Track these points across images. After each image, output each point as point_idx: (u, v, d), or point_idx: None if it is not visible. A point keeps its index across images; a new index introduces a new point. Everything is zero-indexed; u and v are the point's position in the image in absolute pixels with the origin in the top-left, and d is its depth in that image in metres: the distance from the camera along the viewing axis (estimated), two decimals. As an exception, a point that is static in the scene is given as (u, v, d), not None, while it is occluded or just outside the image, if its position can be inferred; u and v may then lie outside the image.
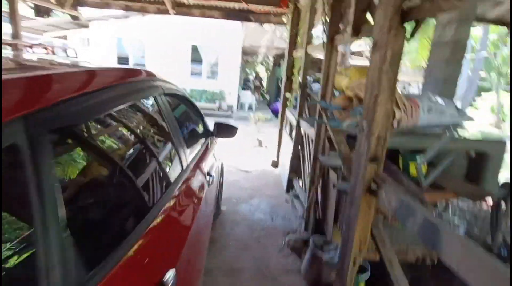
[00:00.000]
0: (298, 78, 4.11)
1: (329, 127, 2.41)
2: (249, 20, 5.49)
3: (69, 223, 0.70)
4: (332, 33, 2.58)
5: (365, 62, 9.38)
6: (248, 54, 13.14)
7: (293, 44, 4.63)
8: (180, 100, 2.18)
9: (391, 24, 1.48)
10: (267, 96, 18.33)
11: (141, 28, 10.64)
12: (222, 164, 3.46)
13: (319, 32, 3.74)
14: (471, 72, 13.23)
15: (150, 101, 1.51)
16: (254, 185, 4.29)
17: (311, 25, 3.60)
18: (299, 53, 4.10)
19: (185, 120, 2.26)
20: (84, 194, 0.92)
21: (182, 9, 5.30)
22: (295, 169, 3.97)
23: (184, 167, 1.60)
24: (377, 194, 1.58)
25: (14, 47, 4.18)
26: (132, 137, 1.34)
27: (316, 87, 3.82)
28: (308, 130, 3.32)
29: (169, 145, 1.53)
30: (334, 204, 2.55)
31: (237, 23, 10.52)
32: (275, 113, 12.30)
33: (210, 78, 11.33)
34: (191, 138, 2.09)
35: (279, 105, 13.21)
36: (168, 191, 1.32)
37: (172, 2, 5.16)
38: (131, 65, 11.13)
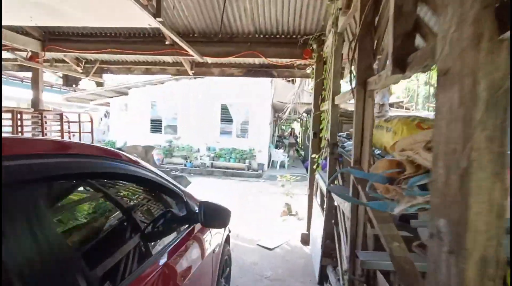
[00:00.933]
0: (326, 135, 3.38)
1: (370, 209, 1.57)
2: (271, 75, 5.11)
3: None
4: (363, 74, 1.89)
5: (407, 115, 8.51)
6: (279, 111, 12.91)
7: (319, 96, 4.02)
8: (145, 184, 1.53)
9: (477, 31, 0.75)
10: (302, 153, 17.61)
11: (174, 91, 11.04)
12: (228, 250, 2.64)
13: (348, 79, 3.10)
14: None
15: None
16: (277, 272, 3.31)
17: (337, 72, 2.98)
18: (326, 106, 3.43)
19: (140, 207, 1.57)
20: None
21: (201, 69, 5.11)
22: (329, 253, 2.99)
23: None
24: None
25: (20, 114, 4.10)
26: None
27: (350, 145, 3.04)
28: (342, 204, 2.46)
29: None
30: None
31: (266, 80, 10.47)
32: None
33: (240, 136, 11.05)
34: (151, 234, 1.37)
35: None
36: None
37: (191, 62, 5.00)
38: (163, 127, 11.34)
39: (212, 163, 10.67)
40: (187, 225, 1.75)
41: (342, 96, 2.63)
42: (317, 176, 3.86)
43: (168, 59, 5.05)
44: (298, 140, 15.34)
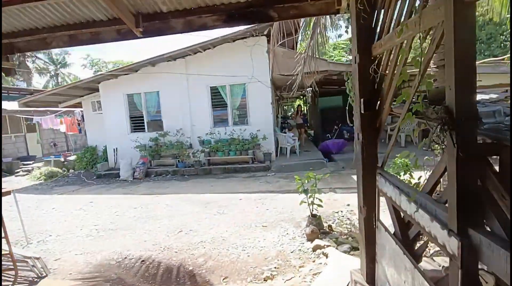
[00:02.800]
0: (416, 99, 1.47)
1: None
2: (268, 19, 3.13)
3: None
4: None
5: None
6: (280, 87, 10.88)
7: (367, 32, 2.07)
8: None
9: None
10: (311, 132, 15.64)
11: (151, 79, 9.07)
12: None
13: None
14: None
15: None
16: None
17: None
18: (407, 31, 1.49)
19: None
20: None
21: (154, 24, 3.15)
22: None
23: None
24: None
25: None
26: None
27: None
28: None
29: None
30: None
31: (261, 50, 8.43)
32: (325, 154, 9.49)
33: (238, 123, 9.13)
34: None
35: (331, 144, 10.36)
36: None
37: (135, 15, 3.04)
38: (146, 124, 9.45)
39: (208, 160, 8.82)
40: None
41: None
42: (383, 184, 1.96)
43: (100, 15, 3.09)
44: (307, 118, 13.27)
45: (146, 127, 9.46)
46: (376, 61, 2.07)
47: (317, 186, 3.83)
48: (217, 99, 9.12)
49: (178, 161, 8.83)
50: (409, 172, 3.38)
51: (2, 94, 16.63)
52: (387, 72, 1.93)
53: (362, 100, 2.09)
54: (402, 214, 1.80)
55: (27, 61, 32.35)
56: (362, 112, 2.09)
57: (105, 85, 9.40)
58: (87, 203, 6.27)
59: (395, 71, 1.76)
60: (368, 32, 2.07)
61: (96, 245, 3.83)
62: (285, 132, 10.15)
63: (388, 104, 1.90)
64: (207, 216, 4.77)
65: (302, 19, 6.42)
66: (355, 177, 7.12)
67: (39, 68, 32.55)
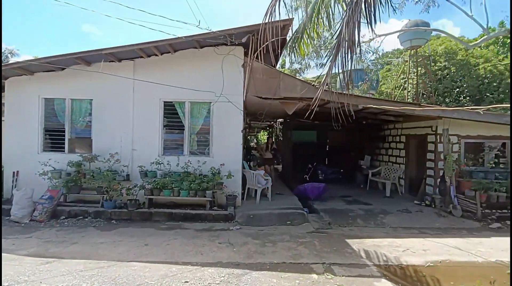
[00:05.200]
0: None
1: None
2: None
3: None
4: None
5: None
6: (254, 114, 9.04)
7: None
8: None
9: None
10: (279, 167, 13.88)
11: (84, 82, 6.68)
12: None
13: None
14: None
15: None
16: None
17: None
18: None
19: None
20: None
21: None
22: None
23: None
24: None
25: None
26: None
27: None
28: None
29: None
30: None
31: (235, 64, 6.62)
32: (301, 198, 7.63)
33: (195, 153, 6.96)
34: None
35: (310, 189, 8.04)
36: None
37: None
38: (67, 141, 6.83)
39: (150, 200, 6.39)
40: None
41: None
42: None
43: None
44: (278, 154, 11.40)
45: (66, 146, 6.83)
46: None
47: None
48: (171, 118, 6.94)
49: (105, 198, 6.27)
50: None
51: None
52: None
53: None
54: None
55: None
56: None
57: (15, 83, 6.75)
58: None
59: None
60: None
61: None
62: (251, 167, 8.15)
63: None
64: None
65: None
66: (350, 241, 4.92)
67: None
